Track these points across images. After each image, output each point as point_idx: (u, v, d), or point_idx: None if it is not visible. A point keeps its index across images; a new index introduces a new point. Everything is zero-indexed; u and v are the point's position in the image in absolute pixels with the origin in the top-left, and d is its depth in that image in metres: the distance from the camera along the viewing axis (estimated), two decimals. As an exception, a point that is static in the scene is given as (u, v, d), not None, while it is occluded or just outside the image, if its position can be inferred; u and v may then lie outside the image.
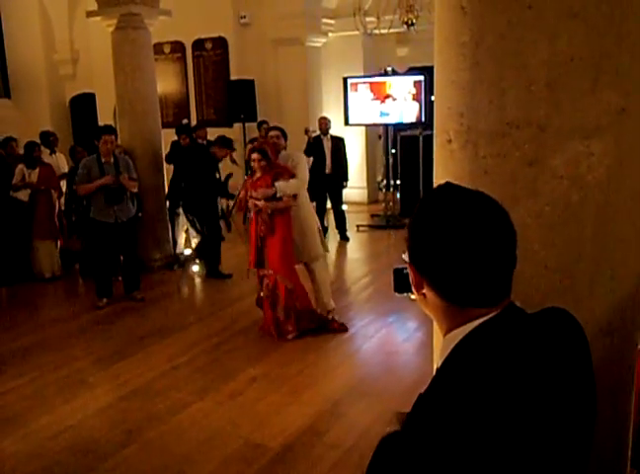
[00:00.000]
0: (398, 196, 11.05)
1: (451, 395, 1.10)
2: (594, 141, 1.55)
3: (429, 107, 9.59)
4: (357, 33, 10.14)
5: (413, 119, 9.99)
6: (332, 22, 12.09)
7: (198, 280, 8.19)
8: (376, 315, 6.39)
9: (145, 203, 8.15)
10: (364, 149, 12.76)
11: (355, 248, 9.69)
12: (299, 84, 11.77)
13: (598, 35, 1.52)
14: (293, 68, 11.71)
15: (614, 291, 1.65)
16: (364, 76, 11.01)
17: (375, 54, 12.70)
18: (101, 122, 11.40)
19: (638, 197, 1.65)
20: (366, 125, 11.60)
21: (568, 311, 1.30)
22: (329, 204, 9.71)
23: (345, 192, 9.99)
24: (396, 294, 1.49)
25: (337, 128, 10.24)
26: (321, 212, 9.35)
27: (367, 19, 9.48)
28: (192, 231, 8.48)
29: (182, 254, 8.77)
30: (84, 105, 13.43)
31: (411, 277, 1.28)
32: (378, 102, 10.07)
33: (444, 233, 1.17)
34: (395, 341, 5.90)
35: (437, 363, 1.26)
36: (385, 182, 11.14)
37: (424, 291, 1.26)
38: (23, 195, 7.95)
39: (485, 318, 1.18)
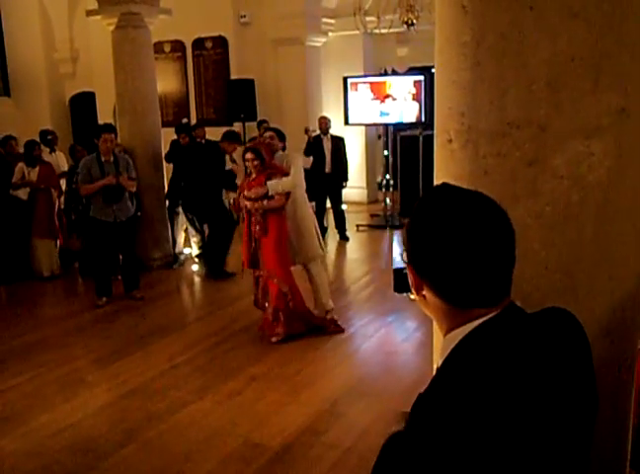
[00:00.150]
0: (398, 196, 11.04)
1: (451, 395, 1.10)
2: (594, 141, 1.55)
3: (429, 107, 9.59)
4: (357, 32, 10.13)
5: (413, 119, 9.99)
6: (332, 21, 12.09)
7: (197, 280, 8.19)
8: (376, 315, 6.39)
9: (145, 202, 8.16)
10: (364, 149, 12.76)
11: (354, 248, 9.70)
12: (299, 83, 11.76)
13: (598, 35, 1.52)
14: (293, 68, 11.70)
15: (614, 292, 1.65)
16: (364, 76, 11.01)
17: (375, 54, 12.70)
18: (100, 121, 11.39)
19: (638, 198, 1.66)
20: (366, 125, 11.60)
21: (569, 311, 1.30)
22: (329, 204, 9.71)
23: (344, 191, 9.99)
24: (396, 294, 1.49)
25: (337, 128, 10.24)
26: (321, 212, 9.35)
27: (368, 18, 9.47)
28: (191, 230, 8.49)
29: (181, 253, 8.77)
30: (84, 103, 13.42)
31: (410, 280, 1.28)
32: (378, 102, 10.07)
33: (443, 235, 1.17)
34: (394, 341, 5.90)
35: (436, 363, 1.26)
36: (385, 181, 11.14)
37: (424, 293, 1.26)
38: (22, 193, 7.96)
39: (485, 318, 1.18)
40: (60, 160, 8.98)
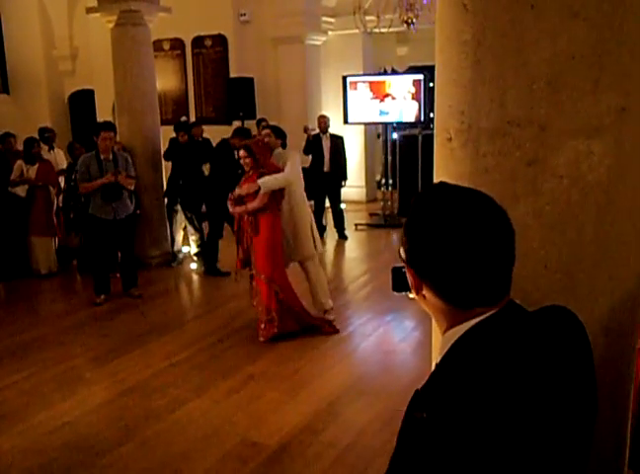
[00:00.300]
0: (397, 195, 11.04)
1: (449, 391, 1.10)
2: (594, 141, 1.55)
3: (428, 106, 9.60)
4: (356, 31, 10.13)
5: (412, 119, 10.00)
6: (332, 20, 12.09)
7: (195, 278, 8.19)
8: (374, 314, 6.39)
9: (143, 200, 8.16)
10: (363, 148, 12.76)
11: (353, 247, 9.70)
12: (299, 82, 11.76)
13: (599, 34, 1.52)
14: (293, 66, 11.70)
15: (614, 291, 1.65)
16: (364, 75, 11.02)
17: (375, 53, 12.70)
18: (100, 119, 11.38)
19: (639, 198, 1.65)
20: (366, 124, 11.60)
21: (569, 309, 1.30)
22: (327, 203, 9.71)
23: (343, 190, 10.00)
24: (394, 293, 1.48)
25: (336, 127, 10.24)
26: (319, 211, 9.35)
27: (367, 17, 9.46)
28: (190, 228, 8.49)
29: (180, 251, 8.76)
30: (83, 101, 13.41)
31: (410, 280, 1.28)
32: (378, 101, 10.07)
33: (442, 235, 1.16)
34: (393, 340, 5.90)
35: (435, 361, 1.26)
36: (384, 181, 11.14)
37: (423, 293, 1.25)
38: (21, 190, 7.96)
39: (484, 316, 1.18)
40: (59, 158, 8.97)
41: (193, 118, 11.47)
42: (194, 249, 8.61)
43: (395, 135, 10.98)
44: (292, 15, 11.33)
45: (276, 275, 5.58)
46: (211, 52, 11.99)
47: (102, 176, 6.66)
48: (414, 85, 9.82)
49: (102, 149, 6.73)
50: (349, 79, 10.29)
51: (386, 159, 11.06)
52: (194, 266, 8.41)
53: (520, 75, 1.54)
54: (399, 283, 1.38)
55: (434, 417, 1.06)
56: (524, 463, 1.10)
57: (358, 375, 5.00)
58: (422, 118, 9.85)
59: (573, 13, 1.50)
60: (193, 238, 8.57)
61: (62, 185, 8.40)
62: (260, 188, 5.43)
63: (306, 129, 9.88)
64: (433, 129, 1.84)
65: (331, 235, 9.91)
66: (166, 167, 8.66)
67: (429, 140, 9.98)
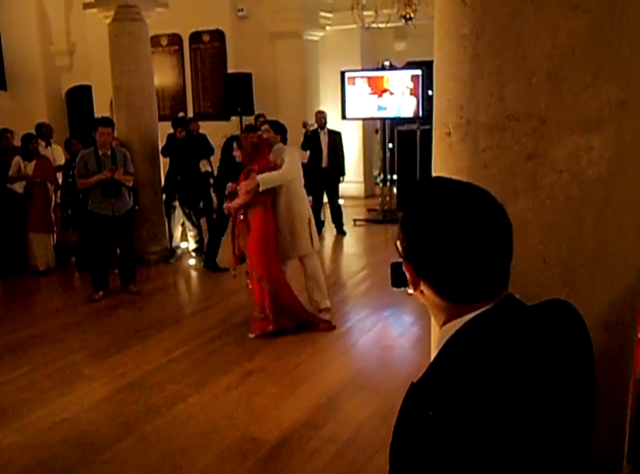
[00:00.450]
0: (395, 190, 11.04)
1: (445, 384, 1.09)
2: (594, 135, 1.54)
3: (426, 101, 9.58)
4: (354, 26, 10.11)
5: (410, 114, 9.98)
6: (330, 15, 12.06)
7: (194, 274, 8.18)
8: (373, 309, 6.39)
9: (142, 197, 8.14)
10: (362, 143, 12.75)
11: (351, 242, 9.70)
12: (297, 77, 11.74)
13: (598, 27, 1.51)
14: (291, 62, 11.68)
15: (614, 286, 1.65)
16: (362, 70, 10.99)
17: (373, 48, 12.67)
18: (97, 115, 11.35)
19: (638, 192, 1.65)
20: (364, 120, 11.58)
21: (569, 303, 1.30)
22: (325, 199, 9.70)
23: (341, 186, 9.99)
24: (393, 288, 1.48)
25: (334, 122, 10.22)
26: (318, 206, 9.35)
27: (365, 13, 9.44)
28: (188, 224, 8.47)
29: (178, 247, 8.75)
30: (80, 97, 13.37)
31: (407, 276, 1.27)
32: (376, 96, 10.05)
33: (439, 231, 1.16)
34: (391, 335, 5.91)
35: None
36: (382, 176, 11.13)
37: (421, 289, 1.25)
38: (18, 186, 7.94)
39: (481, 310, 1.18)
40: (56, 154, 8.94)
41: (190, 114, 11.44)
42: (192, 245, 8.60)
43: (393, 131, 10.96)
44: (290, 10, 11.31)
45: (267, 273, 5.54)
46: (209, 48, 11.96)
47: (100, 172, 6.66)
48: (412, 80, 9.80)
49: (100, 145, 6.73)
50: (347, 74, 10.27)
51: (384, 154, 11.05)
52: (192, 262, 8.40)
53: (519, 69, 1.54)
54: (398, 279, 1.37)
55: (440, 415, 1.05)
56: (525, 458, 1.10)
57: (357, 370, 5.01)
58: (420, 114, 9.84)
59: (572, 5, 1.49)
60: (191, 234, 8.55)
61: (60, 181, 8.38)
62: (259, 185, 5.41)
63: (305, 125, 9.87)
64: (431, 124, 1.83)
65: (329, 230, 9.90)
66: (164, 163, 8.64)
67: (427, 135, 9.99)
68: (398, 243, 1.25)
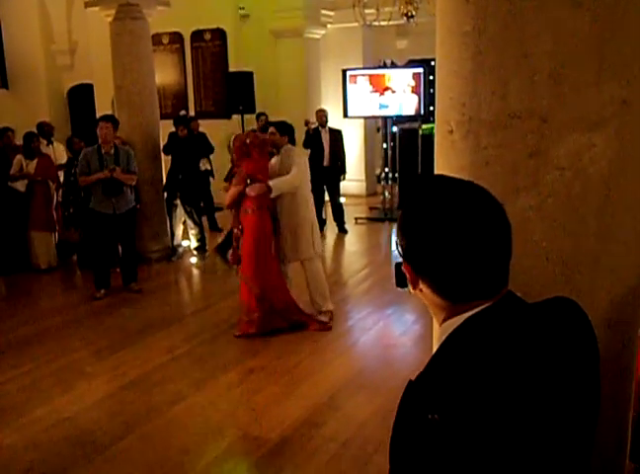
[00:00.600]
0: (397, 188, 11.04)
1: (447, 384, 1.09)
2: (596, 133, 1.54)
3: (428, 99, 9.57)
4: (356, 24, 10.10)
5: (412, 112, 9.96)
6: (331, 13, 12.05)
7: (195, 272, 8.19)
8: (374, 308, 6.39)
9: (143, 195, 8.14)
10: (363, 142, 12.74)
11: (353, 241, 9.69)
12: (298, 76, 11.73)
13: (600, 25, 1.51)
14: (292, 60, 11.67)
15: (615, 284, 1.65)
16: (364, 68, 10.97)
17: (375, 46, 12.66)
18: (99, 113, 11.35)
19: (640, 190, 1.65)
20: (365, 118, 11.57)
21: (573, 300, 1.29)
22: (327, 197, 9.69)
23: (343, 184, 9.98)
24: (397, 289, 1.48)
25: (335, 121, 10.21)
26: (319, 205, 9.34)
27: (367, 11, 9.44)
28: (189, 222, 8.47)
29: (179, 246, 8.75)
30: (82, 95, 13.37)
31: (407, 275, 1.27)
32: (377, 94, 10.04)
33: (438, 230, 1.15)
34: (393, 333, 5.90)
35: (434, 354, 1.25)
36: (384, 174, 11.12)
37: (421, 288, 1.25)
38: (20, 185, 7.95)
39: (481, 308, 1.18)
40: (58, 152, 8.94)
41: (192, 113, 11.44)
42: (193, 243, 8.60)
43: (395, 129, 10.96)
44: (292, 8, 11.30)
45: (256, 276, 5.53)
46: (211, 46, 11.96)
47: (102, 170, 6.65)
48: (414, 78, 9.79)
49: (101, 139, 6.71)
50: (348, 72, 10.26)
51: (386, 153, 11.04)
52: (193, 260, 8.40)
53: (521, 66, 1.53)
54: (403, 279, 1.37)
55: (446, 419, 1.04)
56: (530, 455, 1.10)
57: (358, 369, 5.00)
58: (422, 112, 9.83)
59: (575, 3, 1.49)
60: (192, 232, 8.56)
61: (62, 179, 8.38)
62: (271, 190, 5.46)
63: (307, 123, 9.86)
64: (433, 122, 1.83)
65: (331, 229, 9.90)
66: (165, 161, 8.65)
67: (428, 134, 9.99)
68: (397, 242, 1.25)
